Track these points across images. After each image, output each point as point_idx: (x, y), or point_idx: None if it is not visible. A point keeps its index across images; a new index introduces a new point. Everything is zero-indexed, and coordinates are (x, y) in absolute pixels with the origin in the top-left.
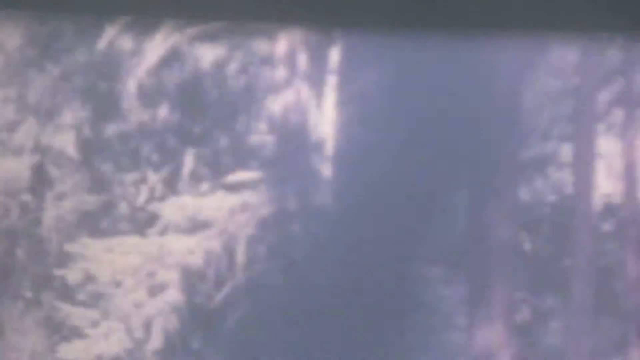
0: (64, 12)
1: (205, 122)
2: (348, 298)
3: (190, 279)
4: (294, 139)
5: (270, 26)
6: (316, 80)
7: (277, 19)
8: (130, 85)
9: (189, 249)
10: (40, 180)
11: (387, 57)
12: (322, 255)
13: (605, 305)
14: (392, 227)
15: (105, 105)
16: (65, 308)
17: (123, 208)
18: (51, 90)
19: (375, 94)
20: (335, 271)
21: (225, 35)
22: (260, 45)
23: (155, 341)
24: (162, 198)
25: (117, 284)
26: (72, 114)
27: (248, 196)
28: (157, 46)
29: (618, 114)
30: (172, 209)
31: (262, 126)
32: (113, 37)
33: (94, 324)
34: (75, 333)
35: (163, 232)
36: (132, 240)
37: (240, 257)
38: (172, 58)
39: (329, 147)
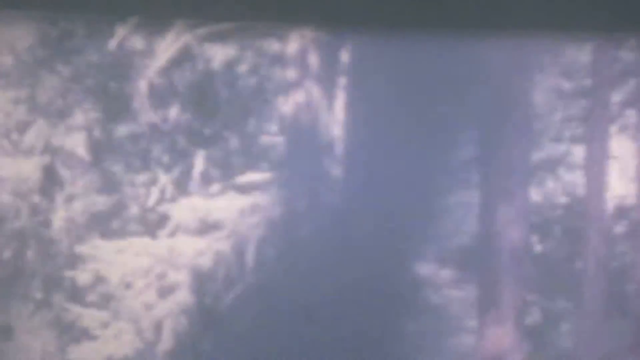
0: (75, 13)
1: (215, 122)
2: (357, 299)
3: (200, 280)
4: (305, 139)
5: (281, 26)
6: (327, 81)
7: (288, 20)
8: (141, 86)
9: (199, 250)
10: (50, 182)
11: (398, 57)
12: (332, 256)
13: (617, 308)
14: (402, 229)
15: (116, 105)
16: (76, 309)
17: (133, 209)
18: (62, 91)
19: (385, 95)
20: (345, 272)
21: (235, 35)
22: (271, 46)
23: (165, 342)
24: (172, 199)
25: (127, 286)
26: (83, 115)
27: (258, 197)
28: (167, 47)
29: (631, 115)
30: (183, 210)
31: (273, 127)
32: (124, 37)
33: (104, 325)
34: (85, 334)
35: (173, 233)
36: (143, 241)
37: (250, 258)
38: (182, 58)
39: (339, 148)
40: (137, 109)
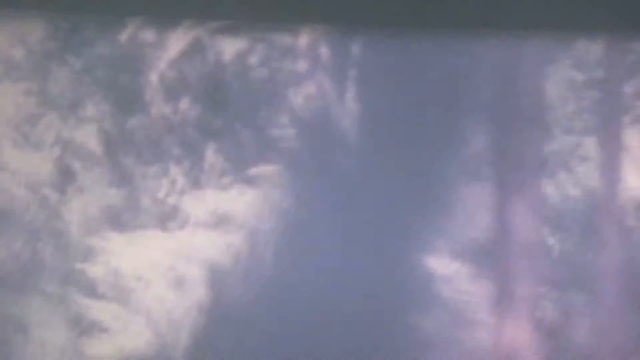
0: (86, 5)
1: (227, 115)
2: (370, 293)
3: (213, 272)
4: (315, 131)
5: (292, 19)
6: (337, 74)
7: (299, 13)
8: (152, 79)
9: (211, 242)
10: (62, 174)
11: (408, 50)
12: (343, 249)
13: (632, 301)
14: (416, 223)
15: (127, 98)
16: (88, 302)
17: (145, 201)
18: (73, 84)
19: (396, 88)
20: (359, 265)
21: (247, 28)
22: (282, 39)
23: (177, 334)
24: (183, 191)
25: (139, 278)
26: (94, 107)
27: (270, 189)
28: (179, 39)
29: None
30: (194, 202)
31: (284, 119)
32: (135, 30)
33: (117, 318)
34: (98, 327)
35: (184, 225)
36: (154, 233)
37: (262, 250)
38: (194, 51)
39: (350, 140)
40: (149, 102)
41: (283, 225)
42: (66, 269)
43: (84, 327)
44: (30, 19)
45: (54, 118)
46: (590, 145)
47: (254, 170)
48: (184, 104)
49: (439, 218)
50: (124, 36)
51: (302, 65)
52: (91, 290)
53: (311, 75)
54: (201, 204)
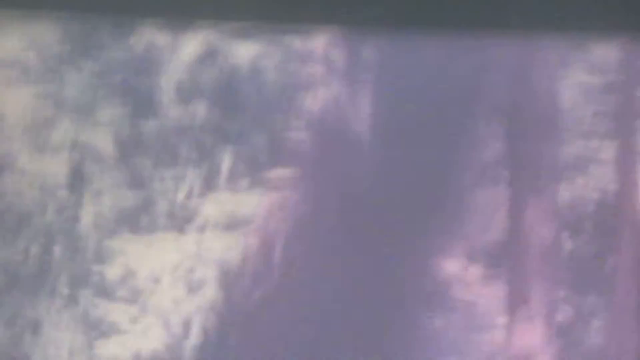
0: (101, 9)
1: (242, 119)
2: (385, 297)
3: (228, 276)
4: (330, 135)
5: (307, 23)
6: (353, 77)
7: (314, 17)
8: (168, 82)
9: (227, 246)
10: (77, 178)
11: (423, 54)
12: (359, 253)
13: None
14: (431, 225)
15: (142, 102)
16: (104, 304)
17: (161, 204)
18: (88, 88)
19: (411, 91)
20: (372, 269)
21: (262, 32)
22: (297, 42)
23: (194, 337)
24: (200, 195)
25: (156, 281)
26: (110, 111)
27: (286, 193)
28: (194, 43)
29: None
30: (211, 206)
31: (299, 123)
32: (150, 33)
33: (133, 320)
34: (114, 329)
35: (201, 229)
36: (171, 236)
37: (278, 254)
38: (209, 55)
39: (365, 144)
40: (164, 105)
41: (298, 228)
42: (82, 271)
43: (99, 329)
44: (44, 22)
45: (69, 122)
46: (607, 149)
47: (269, 174)
48: (199, 107)
49: (454, 221)
50: (138, 40)
51: (317, 69)
52: (107, 292)
53: (326, 79)
54: (217, 207)
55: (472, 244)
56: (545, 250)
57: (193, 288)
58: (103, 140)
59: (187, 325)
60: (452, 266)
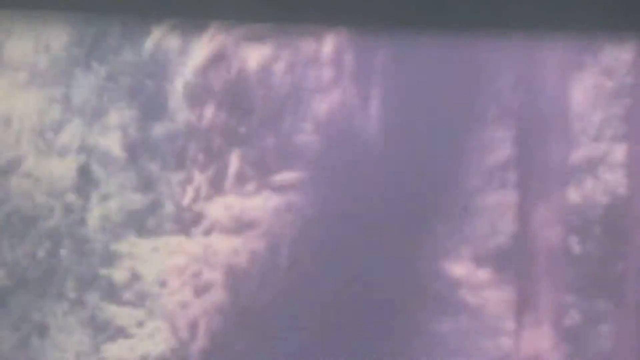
0: (111, 12)
1: (251, 122)
2: (392, 300)
3: (235, 279)
4: (339, 139)
5: (317, 26)
6: (362, 81)
7: (324, 20)
8: (177, 85)
9: (234, 249)
10: (85, 181)
11: (432, 57)
12: (367, 256)
13: None
14: (438, 228)
15: (151, 105)
16: (111, 308)
17: (169, 208)
18: (97, 90)
19: (420, 94)
20: (380, 272)
21: (271, 35)
22: (307, 46)
23: (200, 341)
24: (207, 198)
25: (163, 284)
26: (118, 114)
27: (293, 196)
28: (203, 46)
29: None
30: (218, 209)
31: (308, 126)
32: (160, 36)
33: (139, 324)
34: (121, 332)
35: (208, 232)
36: (178, 240)
37: (285, 257)
38: (218, 58)
39: (374, 147)
40: (173, 108)
41: (305, 231)
42: (89, 274)
43: (106, 333)
44: (54, 25)
45: (78, 124)
46: (619, 152)
47: (277, 177)
48: (209, 110)
49: (462, 225)
50: (148, 43)
51: (326, 72)
52: (114, 295)
53: (335, 82)
54: (225, 210)
55: (480, 247)
56: (553, 254)
57: (200, 291)
58: (111, 143)
59: (193, 328)
60: (459, 270)
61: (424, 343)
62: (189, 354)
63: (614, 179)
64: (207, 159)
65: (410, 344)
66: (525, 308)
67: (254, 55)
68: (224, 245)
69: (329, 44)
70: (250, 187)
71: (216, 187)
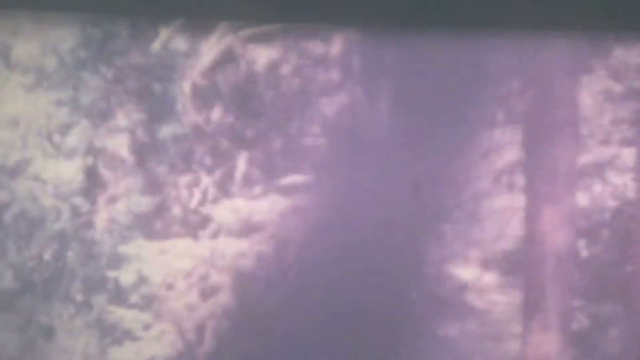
0: (118, 14)
1: (258, 124)
2: (399, 304)
3: (242, 282)
4: (347, 141)
5: (325, 28)
6: (370, 83)
7: (332, 21)
8: (185, 88)
9: (241, 252)
10: (92, 183)
11: (441, 58)
12: (373, 259)
13: None
14: (446, 232)
15: (159, 107)
16: (118, 310)
17: (176, 210)
18: (105, 93)
19: (428, 96)
20: (387, 275)
21: (279, 36)
22: (315, 47)
23: (207, 344)
24: (215, 201)
25: (170, 287)
26: (126, 116)
27: (301, 199)
28: (211, 48)
29: None
30: (225, 212)
31: (316, 129)
32: (167, 38)
33: (146, 327)
34: (127, 335)
35: (216, 234)
36: (185, 242)
37: (292, 260)
38: (226, 60)
39: (382, 150)
40: (181, 111)
41: (312, 234)
42: (96, 277)
43: (112, 335)
44: (62, 27)
45: (85, 127)
46: (628, 156)
47: (285, 180)
48: (216, 113)
49: (470, 228)
50: (156, 45)
51: (334, 74)
52: (121, 298)
53: (343, 85)
54: (232, 213)
55: (487, 251)
56: (561, 258)
57: (207, 294)
58: (118, 146)
59: (200, 331)
60: (466, 273)
61: (431, 347)
62: (196, 357)
63: (622, 183)
64: (215, 161)
65: (417, 348)
66: (533, 312)
67: (262, 57)
68: (231, 248)
69: (337, 46)
70: (257, 189)
71: (223, 189)
